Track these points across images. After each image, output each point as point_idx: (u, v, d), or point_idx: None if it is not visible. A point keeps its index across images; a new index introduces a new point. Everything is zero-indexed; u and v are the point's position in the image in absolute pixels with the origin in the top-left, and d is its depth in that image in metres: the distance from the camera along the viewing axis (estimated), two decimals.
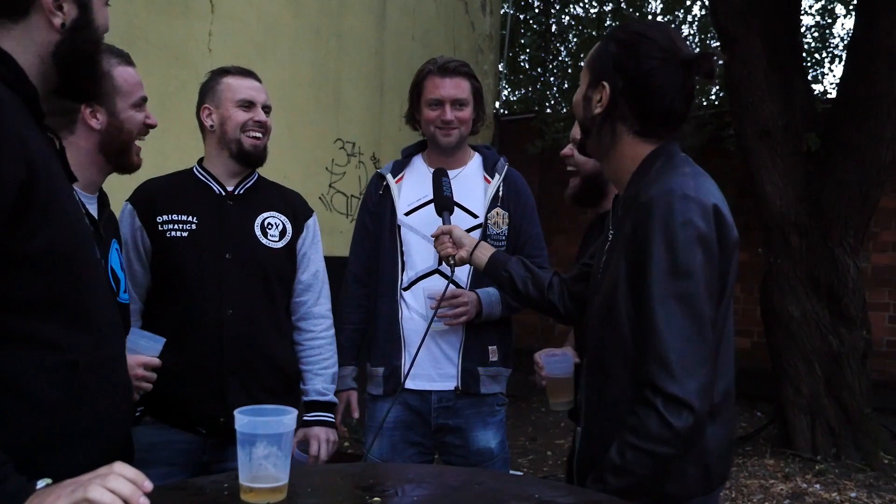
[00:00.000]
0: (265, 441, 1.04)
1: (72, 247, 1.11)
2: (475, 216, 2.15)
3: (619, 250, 1.34)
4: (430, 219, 2.10)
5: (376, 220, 2.20)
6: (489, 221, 2.14)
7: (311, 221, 2.09)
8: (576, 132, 1.48)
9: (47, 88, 1.16)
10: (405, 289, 2.13)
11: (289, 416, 1.07)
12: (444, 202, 1.99)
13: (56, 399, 1.06)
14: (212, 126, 1.98)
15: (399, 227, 2.15)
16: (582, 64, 1.49)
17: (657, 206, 1.25)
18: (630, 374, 1.29)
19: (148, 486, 0.92)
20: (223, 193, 1.98)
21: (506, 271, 1.78)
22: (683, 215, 1.24)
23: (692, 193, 1.26)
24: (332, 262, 2.18)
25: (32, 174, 1.01)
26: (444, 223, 1.95)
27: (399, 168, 2.25)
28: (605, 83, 1.38)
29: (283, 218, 2.03)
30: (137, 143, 1.71)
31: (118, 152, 1.66)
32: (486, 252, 1.84)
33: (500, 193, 2.17)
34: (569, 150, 2.11)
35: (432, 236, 1.94)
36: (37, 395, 1.04)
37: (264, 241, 1.97)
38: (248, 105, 1.95)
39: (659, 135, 1.39)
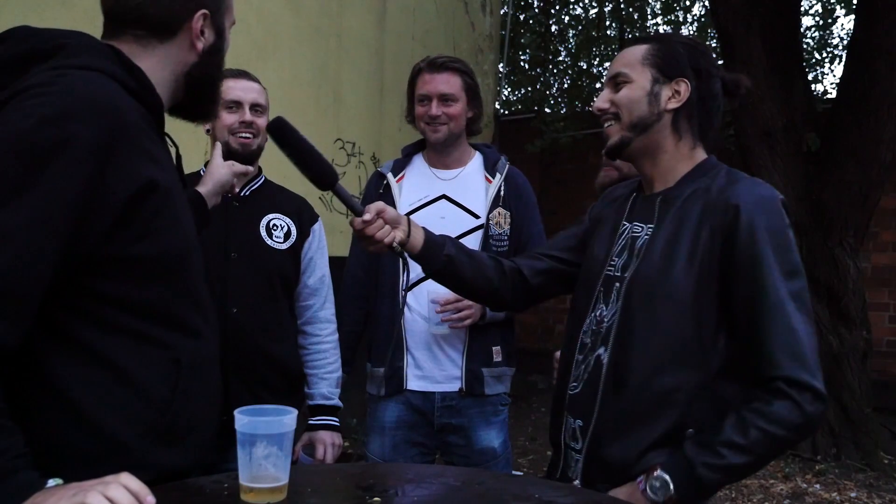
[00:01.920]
0: (265, 441, 1.04)
1: (181, 254, 1.16)
2: (476, 216, 2.13)
3: (676, 244, 1.36)
4: (432, 219, 2.08)
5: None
6: (491, 221, 2.12)
7: (317, 226, 2.11)
8: (615, 136, 1.43)
9: (168, 105, 1.24)
10: (407, 290, 2.12)
11: (289, 416, 1.07)
12: (325, 170, 1.48)
13: (164, 394, 1.11)
14: (208, 130, 2.00)
15: None
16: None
17: (763, 208, 1.32)
18: (694, 363, 1.33)
19: (150, 500, 0.92)
20: (229, 195, 1.99)
21: (446, 255, 1.59)
22: (787, 218, 1.34)
23: (784, 200, 1.35)
24: (332, 263, 2.18)
25: (148, 185, 1.07)
26: (338, 192, 1.49)
27: (400, 167, 2.24)
28: (685, 80, 1.42)
29: (288, 220, 2.04)
30: None
31: None
32: (418, 232, 1.58)
33: (502, 193, 2.16)
34: None
35: (363, 221, 1.48)
36: (148, 388, 1.10)
37: (269, 241, 1.99)
38: (234, 106, 1.95)
39: (706, 142, 1.47)
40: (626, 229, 1.49)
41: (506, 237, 2.13)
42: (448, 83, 2.11)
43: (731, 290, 1.32)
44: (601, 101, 1.48)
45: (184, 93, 1.24)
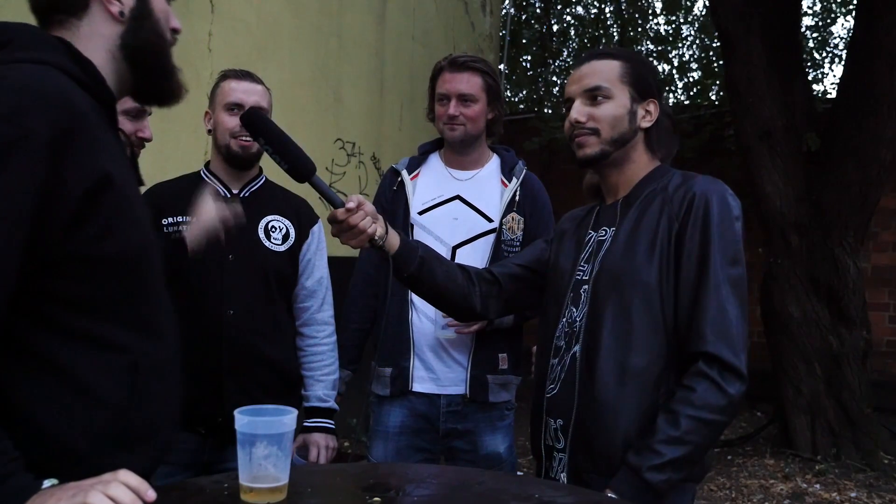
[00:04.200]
0: (265, 441, 1.04)
1: (139, 252, 1.14)
2: (490, 220, 2.09)
3: (636, 236, 1.44)
4: (445, 219, 2.06)
5: (389, 217, 2.10)
6: (504, 226, 2.08)
7: (316, 228, 2.09)
8: (595, 148, 1.49)
9: (125, 90, 1.21)
10: None
11: (289, 416, 1.07)
12: (302, 160, 1.43)
13: (119, 399, 1.09)
14: (209, 130, 2.00)
15: (412, 226, 2.10)
16: None
17: (715, 199, 1.40)
18: (662, 342, 1.39)
19: (151, 495, 0.92)
20: (228, 196, 1.99)
21: (420, 257, 1.59)
22: (736, 210, 1.42)
23: (733, 194, 1.44)
24: (333, 263, 2.17)
25: (104, 180, 1.05)
26: (316, 183, 1.44)
27: (415, 165, 2.19)
28: (655, 101, 1.51)
29: (286, 222, 2.03)
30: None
31: None
32: (394, 232, 1.56)
33: (517, 198, 2.11)
34: None
35: (347, 209, 1.45)
36: (101, 393, 1.07)
37: (267, 243, 1.98)
38: (235, 108, 1.94)
39: (661, 151, 1.56)
40: (591, 238, 1.55)
41: (518, 243, 2.10)
42: (468, 83, 2.06)
43: (680, 271, 1.40)
44: (578, 114, 1.48)
45: (129, 72, 1.19)
